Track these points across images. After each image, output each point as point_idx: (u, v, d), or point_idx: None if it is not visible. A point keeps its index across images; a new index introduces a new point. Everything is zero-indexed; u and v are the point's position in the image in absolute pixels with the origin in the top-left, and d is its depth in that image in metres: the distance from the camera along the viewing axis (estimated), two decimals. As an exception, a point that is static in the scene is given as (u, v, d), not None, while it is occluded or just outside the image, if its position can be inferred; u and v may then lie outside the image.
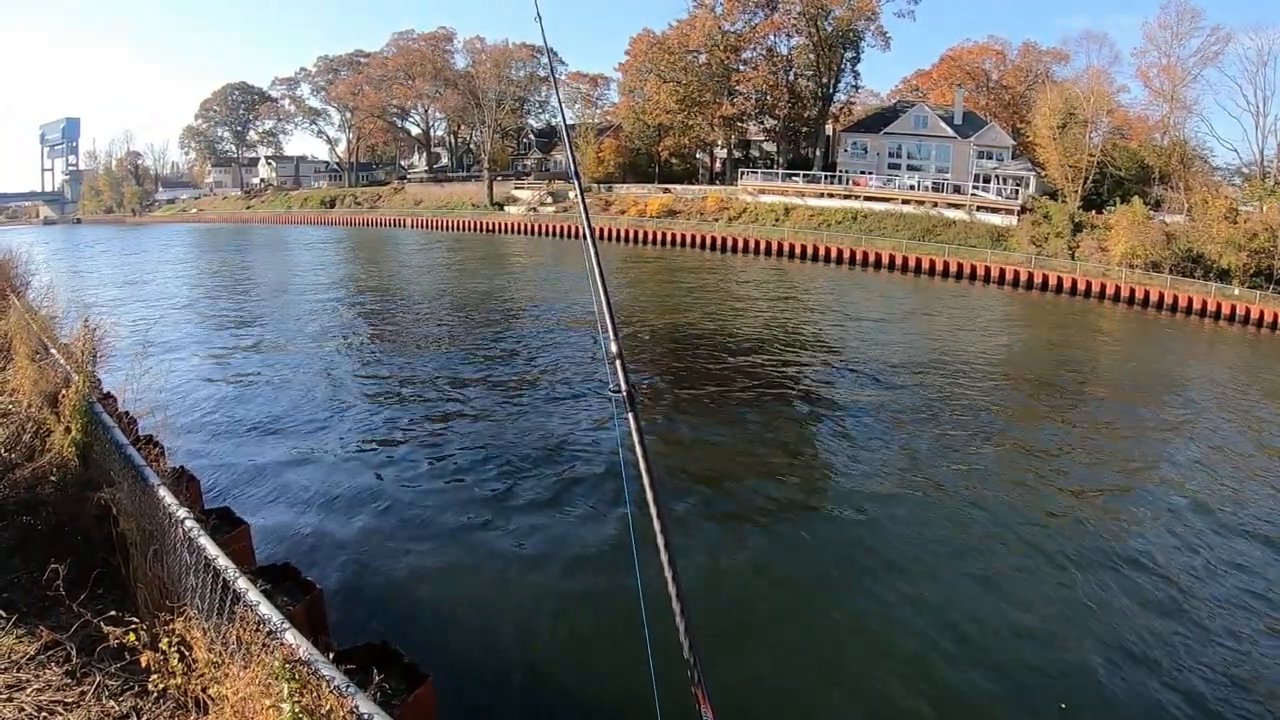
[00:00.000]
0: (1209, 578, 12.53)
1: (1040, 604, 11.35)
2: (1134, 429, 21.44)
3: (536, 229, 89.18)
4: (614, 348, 3.72)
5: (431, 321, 32.35)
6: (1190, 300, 51.22)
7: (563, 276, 47.50)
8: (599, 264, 4.19)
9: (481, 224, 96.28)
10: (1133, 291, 53.07)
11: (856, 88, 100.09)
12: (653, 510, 3.40)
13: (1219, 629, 10.99)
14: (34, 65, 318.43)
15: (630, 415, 3.56)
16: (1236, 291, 51.57)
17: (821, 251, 67.94)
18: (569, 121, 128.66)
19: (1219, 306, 49.75)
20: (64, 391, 8.94)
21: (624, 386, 3.57)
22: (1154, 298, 52.32)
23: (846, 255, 66.46)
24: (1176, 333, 44.51)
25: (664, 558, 3.33)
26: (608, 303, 3.86)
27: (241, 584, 5.30)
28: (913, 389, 23.21)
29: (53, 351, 11.38)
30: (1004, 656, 10.22)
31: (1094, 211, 64.37)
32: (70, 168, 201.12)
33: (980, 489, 15.45)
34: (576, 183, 4.75)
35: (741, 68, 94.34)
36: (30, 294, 16.89)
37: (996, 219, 68.23)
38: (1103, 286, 54.36)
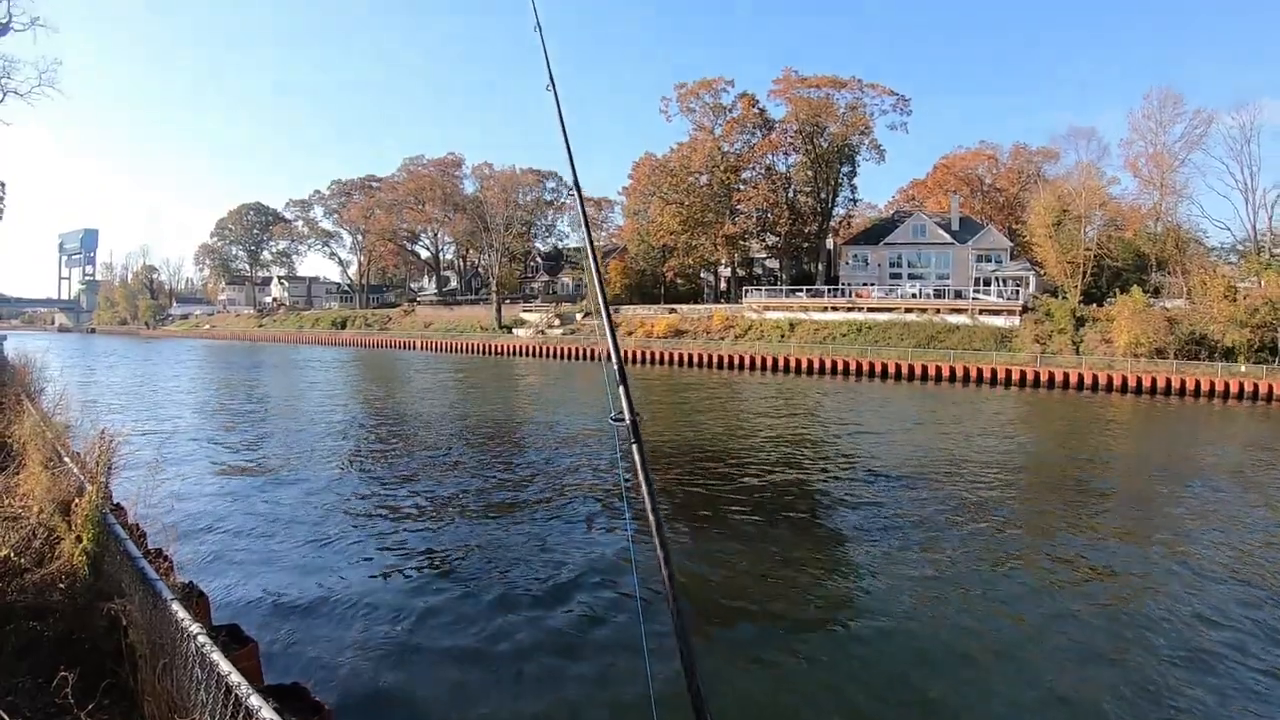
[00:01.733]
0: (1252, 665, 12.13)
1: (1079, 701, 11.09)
2: (1154, 519, 21.12)
3: (545, 351, 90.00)
4: (618, 376, 3.78)
5: (440, 442, 32.42)
6: (1198, 382, 51.69)
7: (571, 399, 47.78)
8: (602, 288, 4.32)
9: (490, 346, 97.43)
10: (1139, 380, 53.50)
11: (854, 200, 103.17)
12: (655, 542, 3.43)
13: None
14: (49, 172, 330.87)
15: (635, 445, 3.60)
16: (1243, 368, 51.87)
17: (828, 365, 68.39)
18: (570, 240, 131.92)
19: (1226, 386, 50.14)
20: (76, 500, 8.91)
21: (628, 416, 3.63)
22: (1161, 384, 52.80)
23: (853, 367, 66.95)
24: (1187, 417, 44.21)
25: (670, 606, 3.30)
26: (612, 332, 3.98)
27: (254, 701, 5.34)
28: (926, 497, 22.91)
29: (66, 459, 11.51)
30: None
31: (1095, 304, 65.23)
32: (87, 277, 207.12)
33: (1008, 597, 15.19)
34: (589, 242, 4.68)
35: (742, 187, 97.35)
36: (44, 400, 17.15)
37: (999, 320, 69.13)
38: (1109, 378, 54.72)
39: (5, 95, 27.79)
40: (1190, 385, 51.77)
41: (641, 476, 3.52)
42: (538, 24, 4.60)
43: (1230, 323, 54.82)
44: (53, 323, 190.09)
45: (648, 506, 3.50)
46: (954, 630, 13.41)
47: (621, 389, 3.70)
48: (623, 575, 15.58)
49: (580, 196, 4.53)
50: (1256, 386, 49.71)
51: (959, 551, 17.58)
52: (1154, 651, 12.51)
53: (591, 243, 4.67)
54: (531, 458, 28.92)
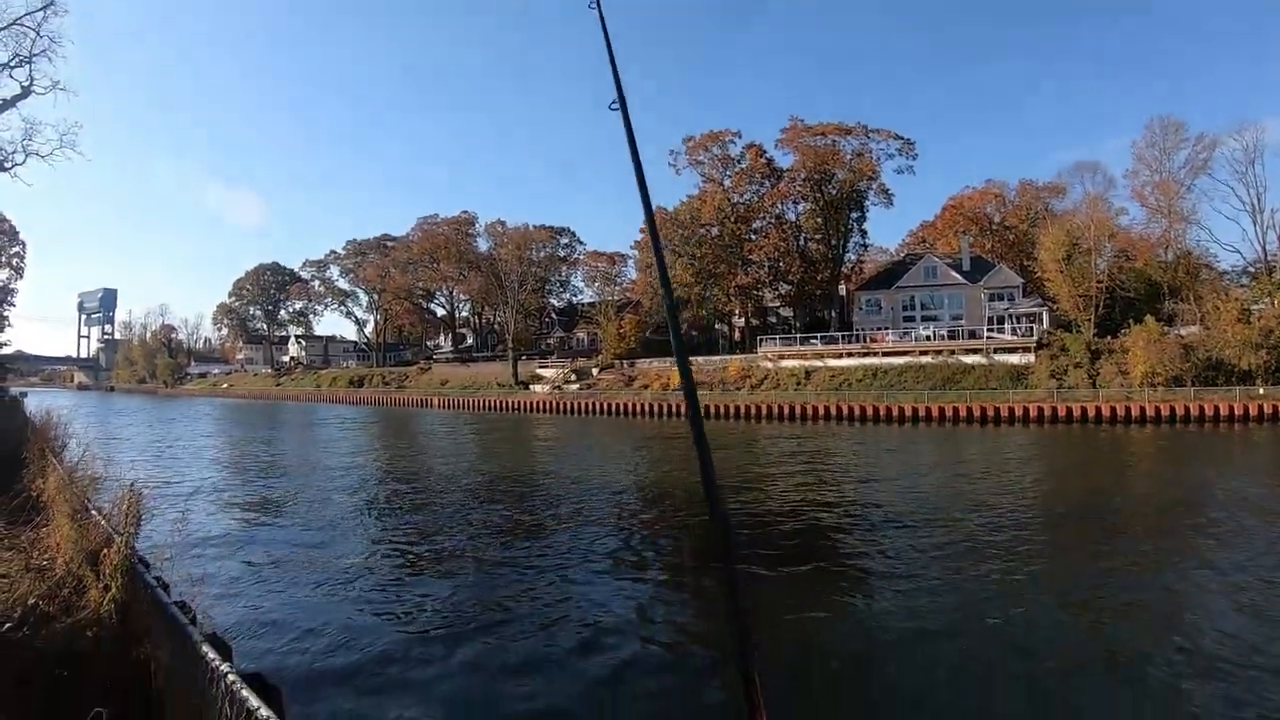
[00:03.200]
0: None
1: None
2: (1177, 552, 20.94)
3: (561, 407, 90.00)
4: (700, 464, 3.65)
5: (461, 499, 32.40)
6: (1216, 408, 51.33)
7: (588, 455, 47.86)
8: (684, 355, 4.14)
9: (507, 403, 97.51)
10: (1158, 410, 53.17)
11: (865, 245, 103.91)
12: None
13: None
14: (74, 230, 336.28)
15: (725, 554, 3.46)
16: (1261, 390, 51.49)
17: (845, 411, 67.98)
18: (583, 296, 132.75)
19: (1245, 409, 49.81)
20: (105, 550, 9.12)
21: (714, 516, 3.38)
22: (1180, 411, 52.48)
23: (870, 413, 66.50)
24: (1207, 444, 43.81)
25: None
26: (700, 438, 3.79)
27: None
28: (949, 540, 22.83)
29: (93, 512, 11.76)
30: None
31: (1110, 336, 64.91)
32: (106, 336, 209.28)
33: (1034, 634, 15.12)
34: (663, 277, 4.38)
35: (753, 237, 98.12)
36: (68, 455, 17.42)
37: (1014, 358, 68.94)
38: (1127, 410, 54.33)
39: (27, 157, 28.50)
40: (1209, 411, 51.42)
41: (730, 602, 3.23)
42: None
43: (1246, 346, 54.65)
44: (72, 380, 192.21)
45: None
46: (972, 672, 13.43)
47: (703, 481, 3.51)
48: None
49: (652, 222, 4.18)
50: (1276, 408, 49.40)
51: (977, 593, 17.51)
52: (1170, 683, 12.46)
53: (668, 286, 4.52)
54: (549, 511, 29.04)
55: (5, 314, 32.41)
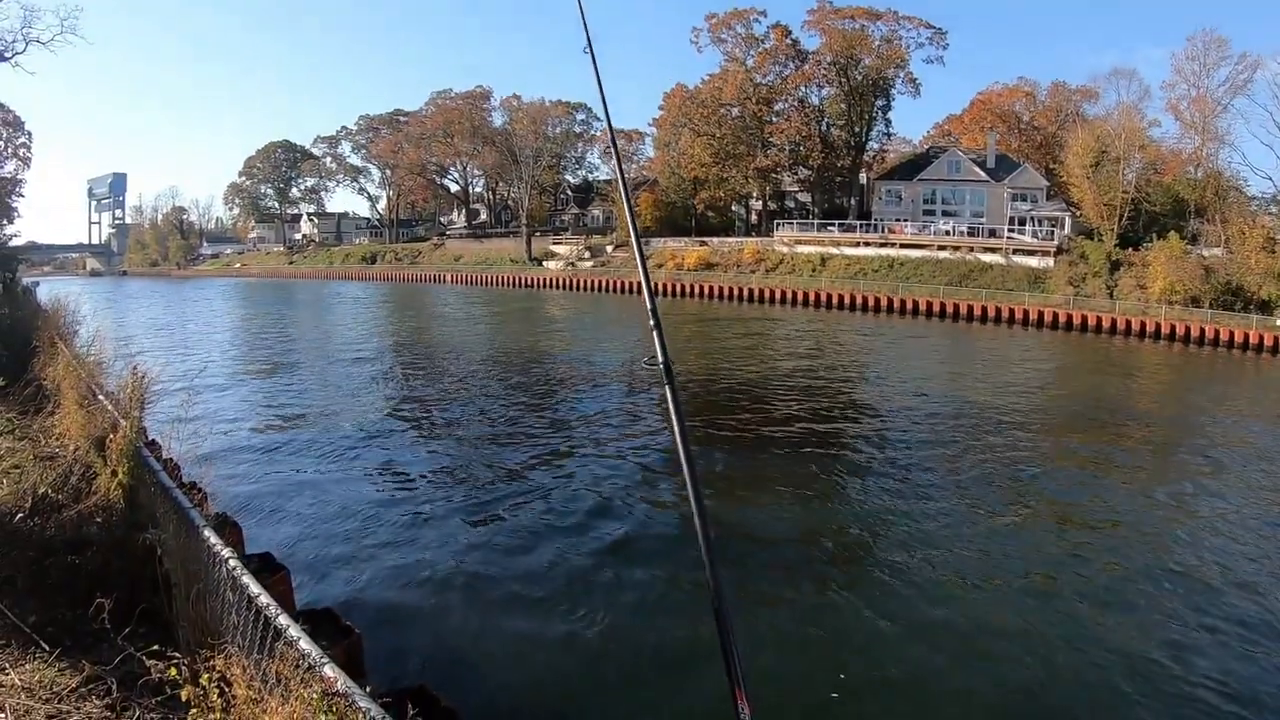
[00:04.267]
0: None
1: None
2: (1181, 470, 20.92)
3: (575, 283, 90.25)
4: (653, 322, 3.87)
5: (474, 375, 32.59)
6: (1231, 334, 50.53)
7: (602, 330, 47.72)
8: (641, 251, 4.38)
9: (521, 279, 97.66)
10: (1173, 328, 52.49)
11: (889, 135, 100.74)
12: (690, 493, 3.43)
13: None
14: (81, 118, 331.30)
15: (669, 387, 3.69)
16: (1278, 323, 50.87)
17: (859, 300, 67.95)
18: (600, 173, 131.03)
19: (1261, 339, 48.97)
20: (111, 436, 9.07)
21: (661, 359, 3.70)
22: (1194, 333, 51.76)
23: (884, 304, 66.43)
24: (1219, 368, 43.82)
25: (701, 546, 3.33)
26: (648, 283, 4.08)
27: (283, 620, 5.30)
28: (955, 439, 22.89)
29: (100, 397, 11.57)
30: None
31: (1131, 249, 63.57)
32: (117, 221, 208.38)
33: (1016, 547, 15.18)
34: (624, 187, 4.86)
35: (774, 119, 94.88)
36: (78, 342, 17.24)
37: (1033, 261, 67.96)
38: (1142, 325, 53.70)
39: (28, 45, 27.53)
40: (1225, 336, 50.60)
41: (674, 420, 3.60)
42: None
43: (1268, 275, 53.47)
44: (85, 267, 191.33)
45: (680, 450, 3.54)
46: (963, 576, 13.56)
47: (655, 334, 3.80)
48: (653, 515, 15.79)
49: (618, 158, 4.50)
50: (1293, 341, 48.88)
51: (983, 505, 17.55)
52: (1156, 606, 12.59)
53: (630, 204, 4.86)
54: (566, 395, 29.04)
55: (14, 205, 31.75)
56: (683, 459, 3.51)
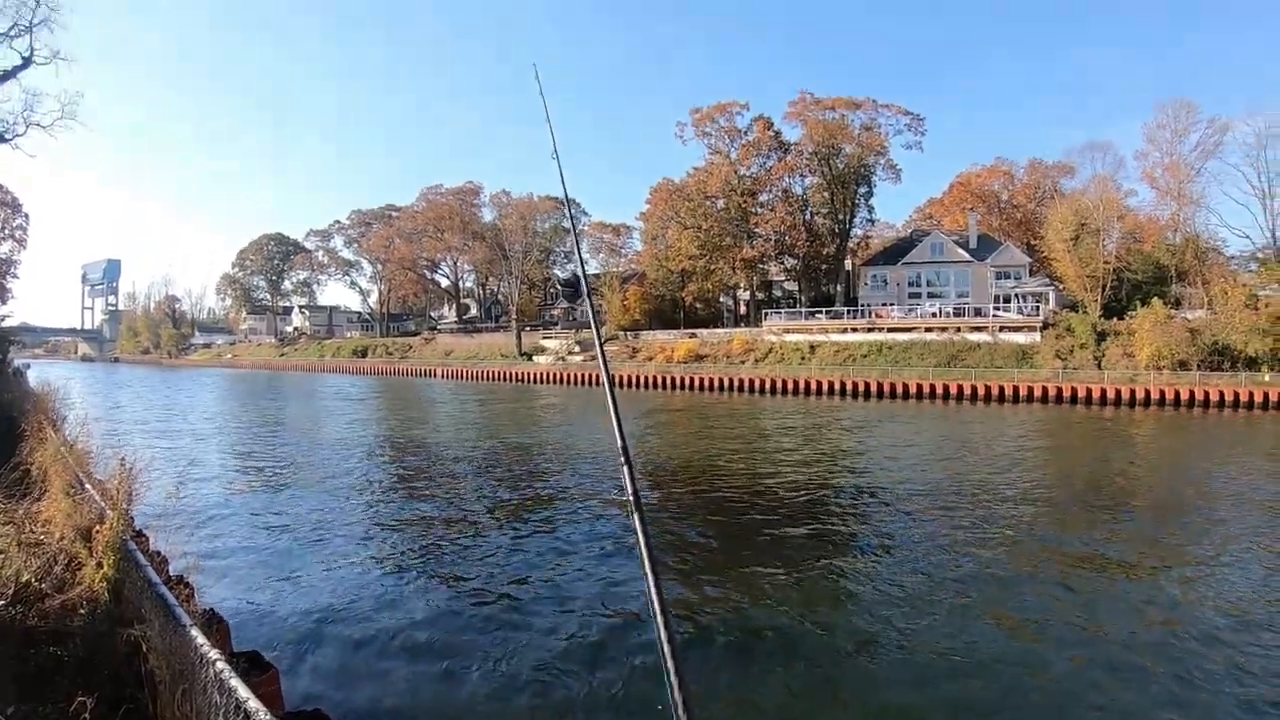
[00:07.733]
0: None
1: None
2: (1179, 537, 20.73)
3: (565, 377, 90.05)
4: (623, 457, 3.92)
5: (464, 470, 32.46)
6: (1221, 393, 51.25)
7: (592, 425, 47.73)
8: (602, 352, 4.83)
9: (511, 374, 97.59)
10: (1162, 393, 53.05)
11: (872, 221, 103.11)
12: (642, 554, 3.41)
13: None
14: (78, 205, 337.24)
15: (637, 517, 3.59)
16: (1266, 377, 51.34)
17: (849, 386, 67.84)
18: (589, 267, 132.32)
19: (1250, 396, 49.71)
20: (98, 527, 8.95)
21: (630, 490, 3.68)
22: (1184, 396, 52.34)
23: (874, 388, 66.35)
24: (1211, 429, 43.68)
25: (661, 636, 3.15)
26: (617, 418, 4.14)
27: None
28: (953, 520, 22.68)
29: (88, 486, 11.57)
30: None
31: (1116, 318, 64.55)
32: (110, 307, 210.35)
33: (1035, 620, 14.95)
34: (585, 289, 5.27)
35: (759, 210, 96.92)
36: (67, 427, 17.34)
37: (1020, 337, 68.66)
38: (1132, 392, 54.19)
39: (29, 128, 28.40)
40: (1214, 396, 51.20)
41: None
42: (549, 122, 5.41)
43: (1252, 332, 54.26)
44: (77, 352, 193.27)
45: (637, 529, 3.53)
46: (966, 655, 13.32)
47: (625, 470, 3.86)
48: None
49: (584, 273, 4.74)
50: (1280, 395, 49.29)
51: (977, 574, 17.41)
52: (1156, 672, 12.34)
53: (593, 309, 5.28)
54: (552, 480, 29.05)
55: (8, 286, 32.33)
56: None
